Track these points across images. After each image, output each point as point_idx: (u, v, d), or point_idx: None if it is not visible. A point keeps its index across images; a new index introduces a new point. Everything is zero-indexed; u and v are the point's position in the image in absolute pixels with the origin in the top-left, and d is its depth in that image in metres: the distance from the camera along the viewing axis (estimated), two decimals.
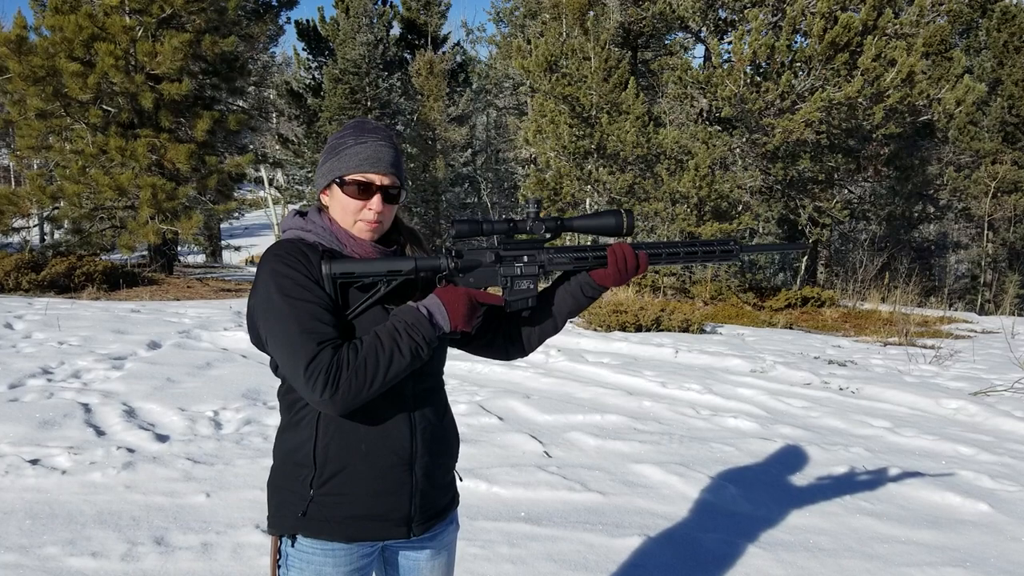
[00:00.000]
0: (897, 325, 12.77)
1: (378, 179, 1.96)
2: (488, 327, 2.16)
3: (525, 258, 2.03)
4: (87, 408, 5.82)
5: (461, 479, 2.27)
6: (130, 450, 4.93)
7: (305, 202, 31.19)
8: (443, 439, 2.08)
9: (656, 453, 5.42)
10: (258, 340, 1.95)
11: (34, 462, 4.62)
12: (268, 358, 1.99)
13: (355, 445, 1.94)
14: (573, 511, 4.34)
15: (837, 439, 6.03)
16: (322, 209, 2.05)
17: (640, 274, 2.14)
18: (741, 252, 2.16)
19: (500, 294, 2.03)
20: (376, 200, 1.96)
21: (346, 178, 1.96)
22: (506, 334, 2.16)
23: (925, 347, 11.43)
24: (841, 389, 8.02)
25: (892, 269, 21.61)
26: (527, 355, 2.21)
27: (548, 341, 9.87)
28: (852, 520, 4.41)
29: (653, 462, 5.16)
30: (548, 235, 2.03)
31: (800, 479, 5.10)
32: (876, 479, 5.14)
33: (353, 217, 1.98)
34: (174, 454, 4.94)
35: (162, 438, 5.24)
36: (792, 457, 5.51)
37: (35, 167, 17.37)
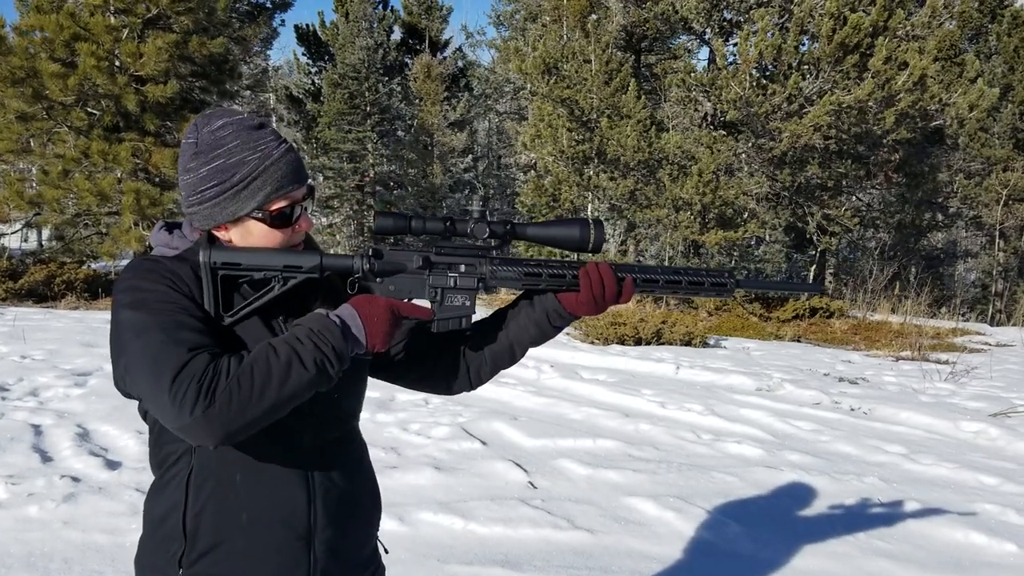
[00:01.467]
0: (909, 338, 12.32)
1: (301, 193, 1.56)
2: (425, 355, 1.73)
3: (462, 267, 1.60)
4: (38, 430, 5.46)
5: (387, 551, 1.83)
6: (75, 479, 4.54)
7: None
8: (353, 505, 1.64)
9: (651, 484, 4.98)
10: (121, 380, 1.47)
11: None
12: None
13: (234, 513, 1.50)
14: (557, 553, 3.92)
15: (849, 467, 5.59)
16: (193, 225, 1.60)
17: (622, 303, 1.68)
18: (737, 287, 1.73)
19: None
20: (305, 219, 1.58)
21: (271, 208, 1.52)
22: (448, 364, 1.73)
23: (940, 362, 10.97)
24: (853, 410, 7.57)
25: (902, 278, 21.14)
26: (474, 389, 1.78)
27: (540, 355, 9.49)
28: (866, 562, 3.98)
29: (648, 495, 4.74)
30: (492, 241, 1.61)
31: (809, 514, 4.68)
32: (892, 514, 4.71)
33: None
34: (123, 484, 4.53)
35: (113, 465, 4.85)
36: (800, 489, 5.08)
37: (18, 169, 17.03)
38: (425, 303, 1.60)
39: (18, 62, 12.85)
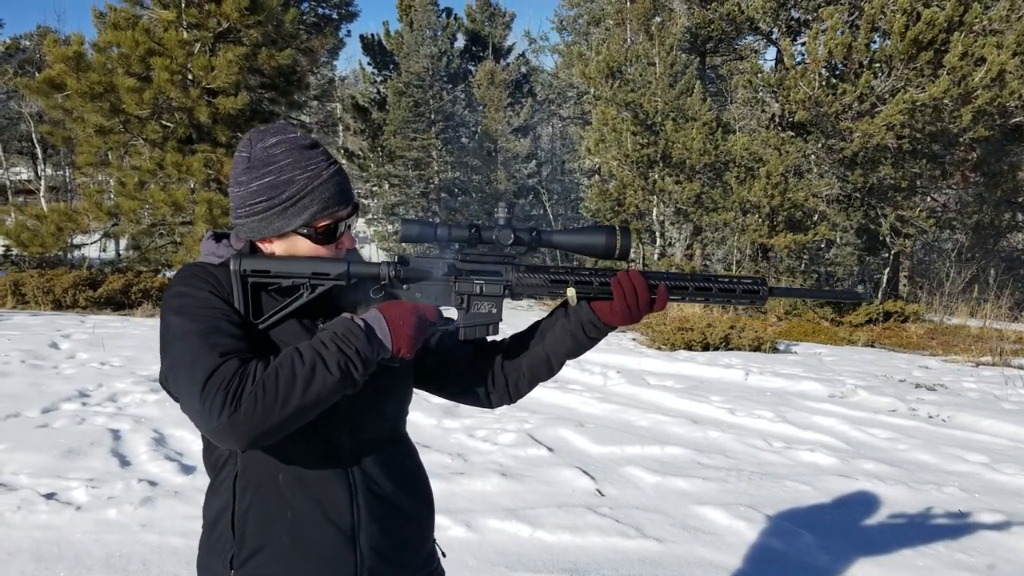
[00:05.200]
0: (989, 342, 11.88)
1: (346, 212, 1.60)
2: (463, 367, 1.76)
3: (488, 274, 1.61)
4: (116, 435, 5.60)
5: (444, 554, 1.83)
6: (152, 483, 4.66)
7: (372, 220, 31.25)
8: (398, 505, 1.65)
9: (721, 492, 4.89)
10: (164, 379, 1.53)
11: (49, 496, 4.38)
12: None
13: (278, 512, 1.53)
14: (625, 561, 3.86)
15: (928, 477, 5.41)
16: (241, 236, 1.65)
17: (656, 311, 1.66)
18: (770, 295, 1.71)
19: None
20: (348, 236, 1.62)
21: (318, 226, 1.56)
22: (487, 377, 1.75)
23: (1023, 368, 10.55)
24: (931, 417, 7.33)
25: (981, 281, 20.42)
26: (513, 402, 1.79)
27: (606, 361, 9.43)
28: None
29: (718, 503, 4.65)
30: (519, 247, 1.62)
31: (886, 525, 4.53)
32: (974, 526, 4.54)
33: None
34: (197, 488, 4.63)
35: (188, 469, 4.95)
36: (876, 498, 4.93)
37: (96, 182, 17.64)
38: (452, 310, 1.62)
39: (96, 77, 13.32)
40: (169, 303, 1.49)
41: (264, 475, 1.54)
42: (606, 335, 1.70)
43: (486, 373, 1.75)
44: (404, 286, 1.58)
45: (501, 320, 1.63)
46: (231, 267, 1.51)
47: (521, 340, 1.75)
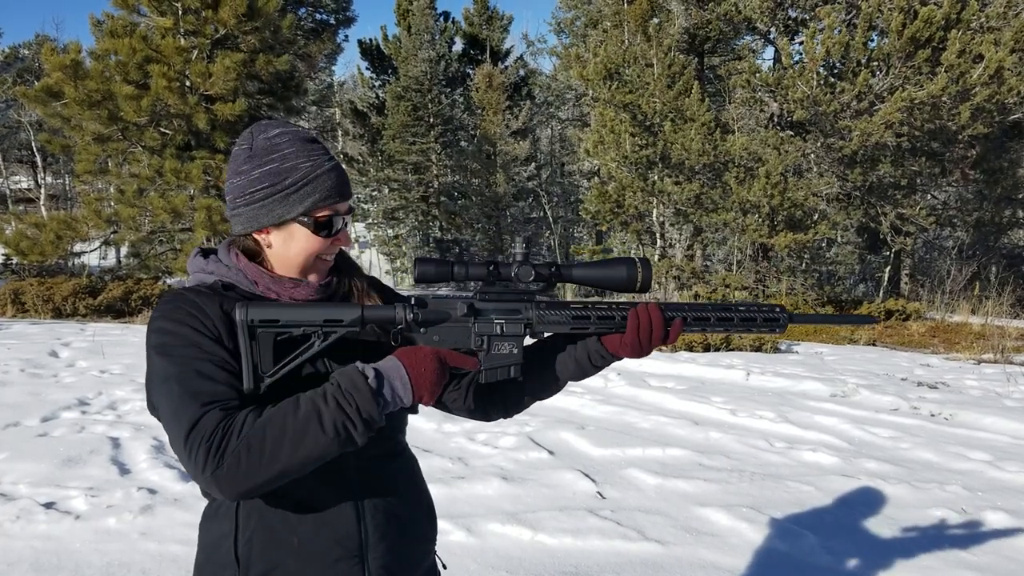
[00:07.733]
0: (991, 340, 11.85)
1: (344, 207, 1.56)
2: (465, 383, 1.73)
3: (508, 313, 1.55)
4: (116, 443, 5.60)
5: (445, 566, 1.81)
6: (151, 491, 4.65)
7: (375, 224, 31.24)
8: (404, 520, 1.62)
9: (723, 494, 4.88)
10: (154, 413, 1.49)
11: (48, 505, 4.37)
12: None
13: (285, 537, 1.49)
14: (627, 564, 3.85)
15: (930, 475, 5.39)
16: (232, 247, 1.60)
17: (668, 344, 1.63)
18: (790, 321, 1.68)
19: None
20: (346, 233, 1.57)
21: (318, 215, 1.52)
22: (486, 393, 1.72)
23: None
24: (933, 415, 7.31)
25: (982, 278, 20.38)
26: (511, 417, 1.77)
27: None
28: None
29: (720, 504, 4.63)
30: (538, 285, 1.56)
31: (889, 525, 4.50)
32: (978, 525, 4.52)
33: (314, 259, 1.56)
34: (197, 495, 4.60)
35: (187, 476, 4.92)
36: (879, 498, 4.92)
37: (96, 189, 17.66)
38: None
39: (94, 85, 13.34)
40: (151, 339, 1.45)
41: (267, 502, 1.50)
42: (612, 363, 1.65)
43: (486, 389, 1.71)
44: (421, 329, 1.51)
45: (522, 361, 1.57)
46: (237, 317, 1.43)
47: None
